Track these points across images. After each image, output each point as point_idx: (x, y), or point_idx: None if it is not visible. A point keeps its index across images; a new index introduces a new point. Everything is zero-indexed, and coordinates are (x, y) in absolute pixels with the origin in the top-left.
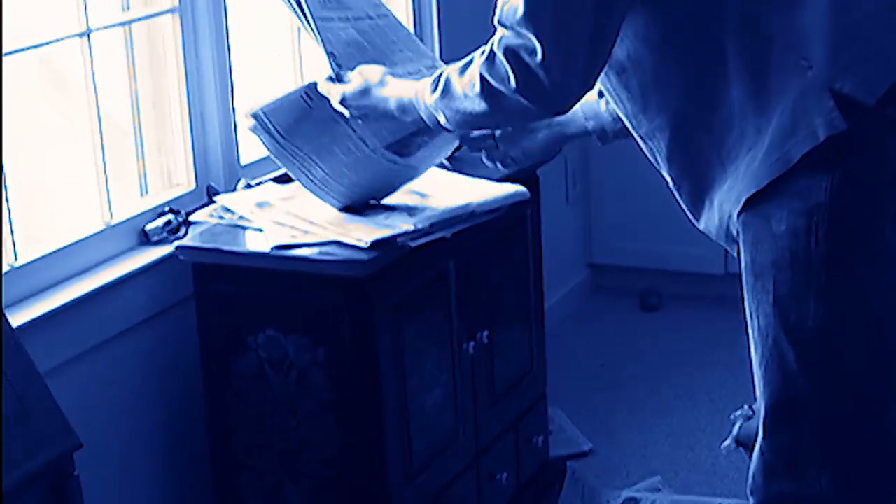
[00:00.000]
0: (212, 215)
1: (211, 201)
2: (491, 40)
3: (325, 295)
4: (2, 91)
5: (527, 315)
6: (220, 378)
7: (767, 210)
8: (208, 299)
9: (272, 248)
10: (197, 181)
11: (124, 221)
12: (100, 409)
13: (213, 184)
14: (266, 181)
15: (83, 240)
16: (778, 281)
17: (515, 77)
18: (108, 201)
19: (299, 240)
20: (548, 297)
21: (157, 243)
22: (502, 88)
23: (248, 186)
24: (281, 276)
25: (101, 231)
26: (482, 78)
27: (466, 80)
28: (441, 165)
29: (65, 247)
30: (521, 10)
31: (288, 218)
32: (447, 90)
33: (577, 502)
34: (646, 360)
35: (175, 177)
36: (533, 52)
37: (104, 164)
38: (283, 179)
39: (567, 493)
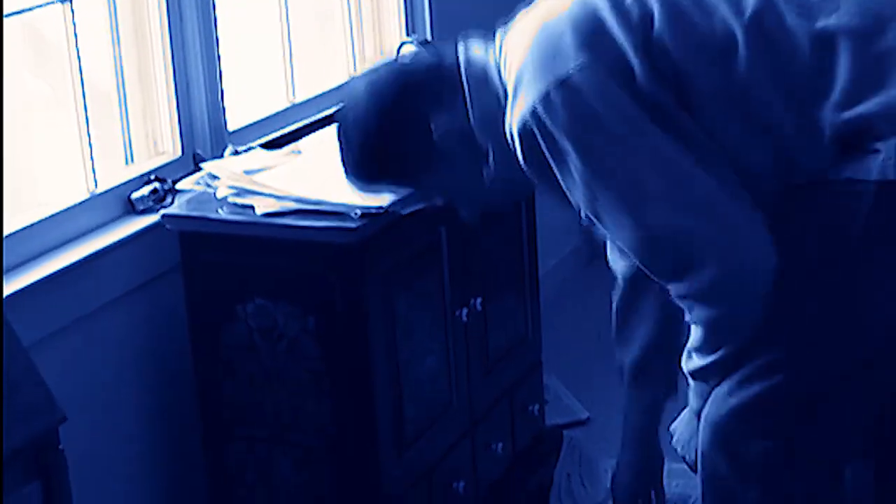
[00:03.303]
0: (198, 183)
1: (197, 169)
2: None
3: (315, 263)
4: (2, 67)
5: (521, 282)
6: (209, 348)
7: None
8: (196, 268)
9: (261, 216)
10: (183, 148)
11: (109, 190)
12: (86, 381)
13: (199, 151)
14: (254, 148)
15: (67, 209)
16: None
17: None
18: (93, 170)
19: (288, 207)
20: (543, 263)
21: (143, 212)
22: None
23: (236, 153)
24: (270, 244)
25: (86, 200)
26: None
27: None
28: None
29: (49, 217)
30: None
31: (277, 185)
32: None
33: (574, 471)
34: None
35: (161, 144)
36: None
37: (88, 132)
38: (271, 146)
39: (564, 462)
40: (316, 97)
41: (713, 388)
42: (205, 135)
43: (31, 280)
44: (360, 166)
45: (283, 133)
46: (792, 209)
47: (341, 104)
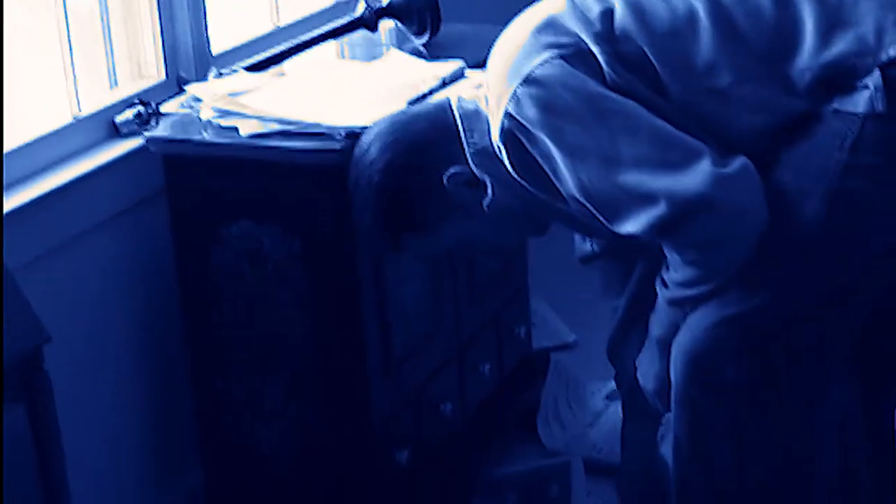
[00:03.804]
0: (182, 106)
1: (181, 92)
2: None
3: (300, 184)
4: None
5: None
6: (195, 271)
7: None
8: (180, 191)
9: (245, 138)
10: (167, 72)
11: (93, 114)
12: (71, 305)
13: (183, 74)
14: (238, 70)
15: (51, 133)
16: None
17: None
18: (77, 94)
19: (273, 128)
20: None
21: (127, 136)
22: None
23: (220, 76)
24: (254, 165)
25: (70, 124)
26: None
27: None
28: (416, 52)
29: (32, 141)
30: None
31: (261, 106)
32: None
33: (561, 394)
34: None
35: (144, 68)
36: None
37: (71, 55)
38: (256, 68)
39: (551, 385)
40: (300, 21)
41: (686, 315)
42: (189, 58)
43: (15, 204)
44: (381, 225)
45: (267, 56)
46: (774, 139)
47: (354, 162)
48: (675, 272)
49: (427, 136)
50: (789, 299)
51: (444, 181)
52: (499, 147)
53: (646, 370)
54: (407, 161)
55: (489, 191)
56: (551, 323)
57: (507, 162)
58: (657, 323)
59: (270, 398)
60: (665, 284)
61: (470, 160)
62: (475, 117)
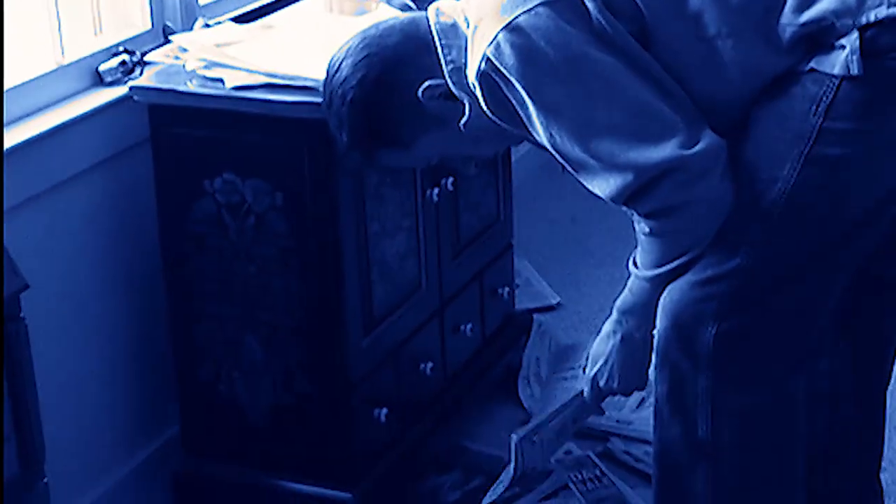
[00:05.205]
0: (168, 56)
1: (167, 41)
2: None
3: (284, 137)
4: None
5: (493, 163)
6: (177, 223)
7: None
8: (164, 142)
9: (230, 89)
10: (153, 21)
11: (77, 61)
12: (52, 253)
13: (169, 23)
14: (225, 21)
15: (34, 80)
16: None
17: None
18: (61, 41)
19: (259, 81)
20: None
21: (111, 84)
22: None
23: (207, 26)
24: (239, 117)
25: (53, 71)
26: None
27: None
28: (405, 7)
29: (15, 87)
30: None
31: (247, 58)
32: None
33: (543, 355)
34: (615, 212)
35: (130, 16)
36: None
37: (56, 1)
38: (243, 19)
39: (533, 346)
40: None
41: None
42: (175, 7)
43: None
44: (357, 142)
45: (255, 7)
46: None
47: (326, 81)
48: (645, 249)
49: (400, 49)
50: (767, 262)
51: (420, 95)
52: (474, 84)
53: (626, 372)
54: (381, 76)
55: (467, 110)
56: (535, 284)
57: (481, 100)
58: (638, 324)
59: (250, 351)
60: (636, 264)
61: (448, 78)
62: (453, 33)
